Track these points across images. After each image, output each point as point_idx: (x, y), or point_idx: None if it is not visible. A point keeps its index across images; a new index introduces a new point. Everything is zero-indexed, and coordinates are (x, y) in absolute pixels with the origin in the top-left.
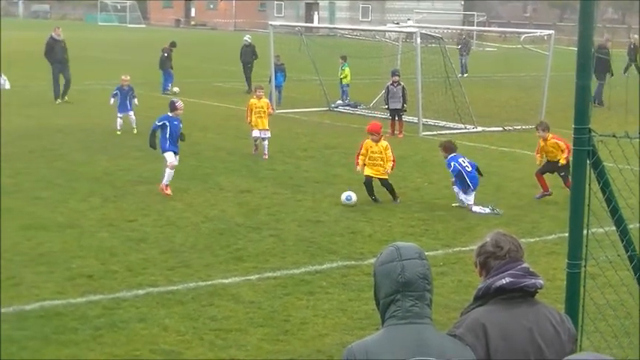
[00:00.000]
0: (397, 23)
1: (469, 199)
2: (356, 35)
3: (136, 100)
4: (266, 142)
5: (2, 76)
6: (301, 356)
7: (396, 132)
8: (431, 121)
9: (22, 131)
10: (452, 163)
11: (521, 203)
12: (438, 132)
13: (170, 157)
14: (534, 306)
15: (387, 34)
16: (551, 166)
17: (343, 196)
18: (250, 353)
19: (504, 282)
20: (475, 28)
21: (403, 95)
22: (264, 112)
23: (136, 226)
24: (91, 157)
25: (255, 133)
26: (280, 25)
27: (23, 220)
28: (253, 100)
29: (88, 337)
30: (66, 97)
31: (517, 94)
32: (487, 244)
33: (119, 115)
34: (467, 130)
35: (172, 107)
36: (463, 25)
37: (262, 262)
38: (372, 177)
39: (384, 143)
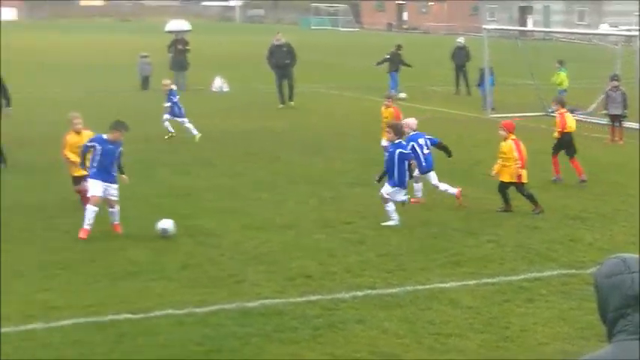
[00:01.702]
0: (615, 26)
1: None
2: (572, 39)
3: (167, 104)
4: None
5: (221, 79)
6: None
7: (615, 138)
8: None
9: (243, 133)
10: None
11: None
12: None
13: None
14: None
15: (605, 37)
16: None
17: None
18: (469, 359)
19: None
20: None
21: (624, 100)
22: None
23: (354, 228)
24: (309, 159)
25: None
26: (494, 29)
27: (244, 221)
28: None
29: (307, 337)
30: (292, 102)
31: None
32: None
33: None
34: None
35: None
36: None
37: (480, 267)
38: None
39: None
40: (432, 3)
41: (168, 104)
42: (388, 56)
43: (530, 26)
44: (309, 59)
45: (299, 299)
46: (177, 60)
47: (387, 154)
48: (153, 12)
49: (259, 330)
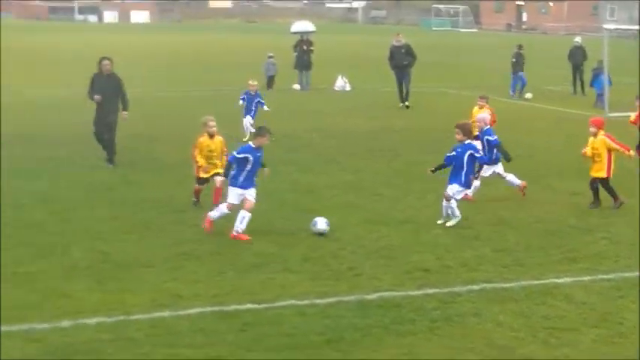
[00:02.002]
0: None
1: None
2: None
3: (265, 107)
4: None
5: (343, 78)
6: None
7: None
8: None
9: (364, 131)
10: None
11: None
12: None
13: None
14: None
15: None
16: None
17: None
18: (584, 354)
19: None
20: None
21: None
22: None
23: (470, 224)
24: (428, 157)
25: None
26: (614, 29)
27: (365, 216)
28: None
29: (424, 329)
30: (406, 103)
31: None
32: None
33: (245, 118)
34: None
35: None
36: None
37: (595, 264)
38: (594, 178)
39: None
40: (552, 3)
41: (265, 107)
42: (514, 59)
43: None
44: (429, 60)
45: (416, 292)
46: (302, 60)
47: (454, 152)
48: (278, 13)
49: (378, 322)
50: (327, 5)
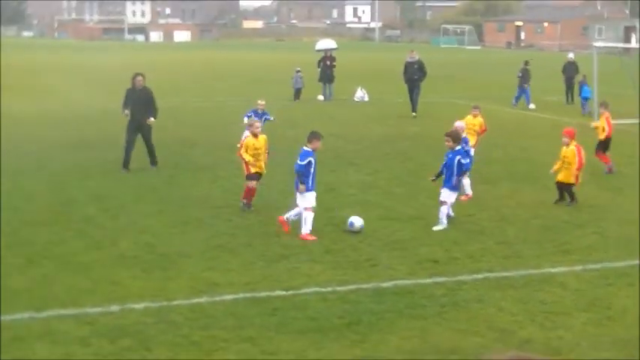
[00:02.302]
0: None
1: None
2: None
3: (271, 117)
4: None
5: (362, 90)
6: (622, 340)
7: None
8: None
9: (380, 137)
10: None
11: None
12: None
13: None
14: None
15: None
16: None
17: (348, 222)
18: (575, 335)
19: None
20: None
21: None
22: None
23: (475, 220)
24: (436, 160)
25: None
26: (603, 47)
27: (380, 212)
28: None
29: (434, 313)
30: (414, 113)
31: None
32: None
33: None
34: None
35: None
36: None
37: (586, 255)
38: (559, 181)
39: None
40: (547, 24)
41: (271, 118)
42: (520, 74)
43: (633, 43)
44: (440, 74)
45: (427, 280)
46: (326, 74)
47: (446, 158)
48: (304, 33)
49: (392, 307)
50: (348, 26)
